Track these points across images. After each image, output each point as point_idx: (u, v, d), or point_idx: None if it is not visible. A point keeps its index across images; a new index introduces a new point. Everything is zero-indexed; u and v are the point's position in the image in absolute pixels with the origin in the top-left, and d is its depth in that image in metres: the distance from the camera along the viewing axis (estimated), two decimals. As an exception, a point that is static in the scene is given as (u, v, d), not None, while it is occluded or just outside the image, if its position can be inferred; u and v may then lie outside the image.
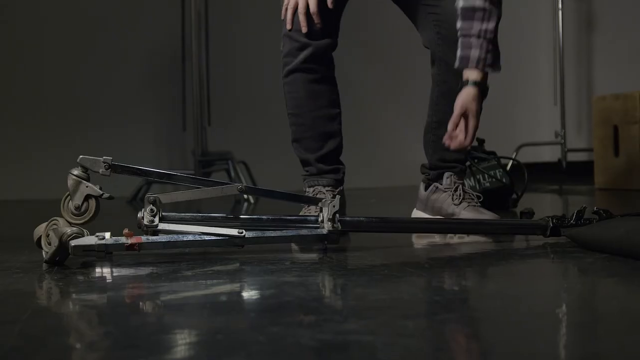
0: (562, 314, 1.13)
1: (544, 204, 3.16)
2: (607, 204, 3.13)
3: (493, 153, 2.92)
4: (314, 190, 2.10)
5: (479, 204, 2.10)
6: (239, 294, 1.32)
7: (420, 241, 2.01)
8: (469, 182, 2.73)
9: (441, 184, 2.14)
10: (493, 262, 1.67)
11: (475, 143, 2.92)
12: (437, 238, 2.01)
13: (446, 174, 2.14)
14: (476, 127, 1.91)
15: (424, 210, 2.20)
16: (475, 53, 1.89)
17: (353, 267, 1.62)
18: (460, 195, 2.10)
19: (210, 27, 3.94)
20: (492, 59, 1.90)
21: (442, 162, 2.17)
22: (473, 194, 2.13)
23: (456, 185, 2.12)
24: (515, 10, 4.64)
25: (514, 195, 2.84)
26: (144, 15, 4.12)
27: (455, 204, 2.09)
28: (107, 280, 1.48)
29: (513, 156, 4.11)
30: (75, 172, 1.64)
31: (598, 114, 3.79)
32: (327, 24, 2.03)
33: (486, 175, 2.77)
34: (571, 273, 1.51)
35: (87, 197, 1.63)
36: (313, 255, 1.79)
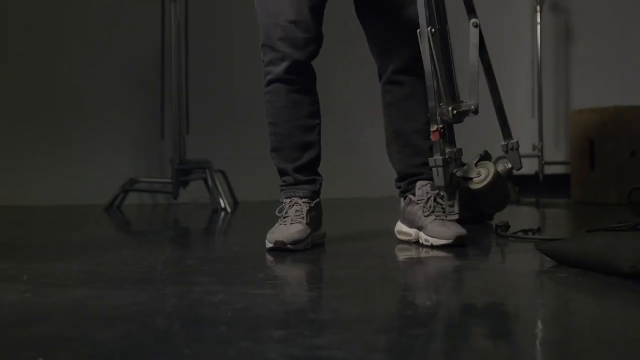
0: (536, 331, 1.13)
1: (520, 217, 3.18)
2: (582, 217, 3.15)
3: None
4: (290, 201, 2.10)
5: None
6: (211, 306, 1.31)
7: (397, 254, 2.01)
8: (445, 194, 2.73)
9: (414, 196, 2.14)
10: (467, 276, 1.67)
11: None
12: (413, 252, 2.01)
13: (418, 184, 2.14)
14: None
15: (403, 223, 2.20)
16: None
17: (328, 279, 1.62)
18: (430, 207, 2.10)
19: (189, 36, 3.93)
20: None
21: (408, 169, 2.18)
22: (444, 206, 2.12)
23: (428, 196, 2.12)
24: (494, 24, 4.67)
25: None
26: (124, 23, 4.10)
27: (424, 216, 2.09)
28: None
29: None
30: None
31: (575, 128, 3.82)
32: (308, 34, 2.03)
33: (463, 188, 2.77)
34: (544, 288, 1.51)
35: None
36: (289, 268, 1.79)
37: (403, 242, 2.16)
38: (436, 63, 1.87)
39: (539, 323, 1.18)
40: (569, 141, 3.98)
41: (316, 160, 2.14)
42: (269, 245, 1.98)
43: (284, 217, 2.06)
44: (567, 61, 4.75)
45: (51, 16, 4.05)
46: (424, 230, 2.07)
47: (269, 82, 2.08)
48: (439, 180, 1.84)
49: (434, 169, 1.85)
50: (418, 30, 1.89)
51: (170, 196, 3.89)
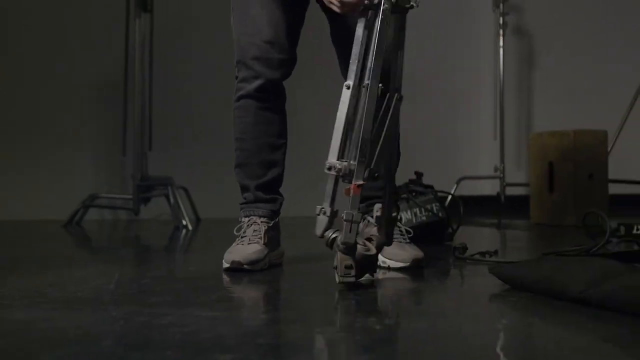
0: (485, 356, 1.13)
1: (480, 238, 3.20)
2: (540, 239, 3.18)
3: (431, 187, 2.95)
4: (249, 220, 2.09)
5: (407, 240, 2.10)
6: (160, 329, 1.29)
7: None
8: (405, 215, 2.75)
9: (372, 217, 2.15)
10: (420, 300, 1.68)
11: (413, 176, 2.95)
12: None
13: (376, 207, 2.14)
14: None
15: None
16: None
17: (281, 301, 1.61)
18: None
19: (153, 52, 3.91)
20: None
21: (367, 192, 2.17)
22: (403, 229, 2.14)
23: None
24: (458, 48, 4.73)
25: (450, 229, 2.87)
26: (87, 38, 4.08)
27: None
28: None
29: (454, 189, 4.16)
30: None
31: (535, 151, 3.87)
32: (284, 54, 2.03)
33: (423, 209, 2.80)
34: (495, 313, 1.52)
35: None
36: (244, 289, 1.78)
37: (361, 263, 2.16)
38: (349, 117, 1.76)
39: (488, 349, 1.19)
40: (529, 164, 4.03)
41: (279, 179, 2.15)
42: (225, 265, 1.97)
43: (242, 237, 2.06)
44: (528, 85, 4.82)
45: (12, 32, 4.01)
46: (382, 252, 2.08)
47: (240, 98, 2.09)
48: (350, 236, 1.70)
49: (347, 224, 1.70)
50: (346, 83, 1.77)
51: (131, 212, 3.86)
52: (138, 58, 3.81)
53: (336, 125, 1.77)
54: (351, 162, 1.74)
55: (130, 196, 3.82)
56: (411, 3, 1.77)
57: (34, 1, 4.03)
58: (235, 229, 2.09)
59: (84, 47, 4.08)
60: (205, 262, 2.26)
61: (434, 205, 2.83)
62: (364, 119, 1.72)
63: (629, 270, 1.51)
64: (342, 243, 1.69)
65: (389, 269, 2.02)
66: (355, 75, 1.76)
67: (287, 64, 2.07)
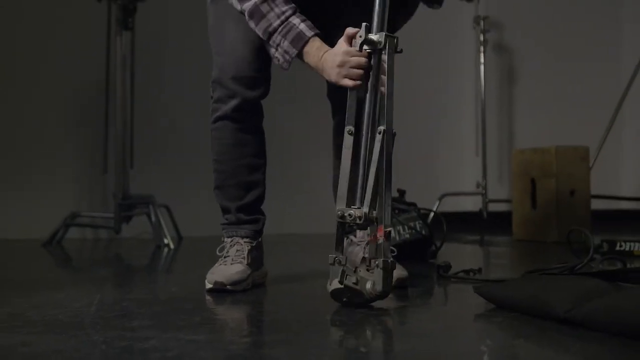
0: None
1: (464, 256, 3.20)
2: (523, 256, 3.19)
3: (414, 204, 2.95)
4: (232, 241, 2.08)
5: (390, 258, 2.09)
6: (141, 354, 1.27)
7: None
8: (389, 233, 2.74)
9: (355, 237, 2.14)
10: (405, 320, 1.67)
11: (396, 194, 2.95)
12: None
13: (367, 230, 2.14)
14: None
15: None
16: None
17: (265, 323, 1.60)
18: None
19: (135, 69, 3.90)
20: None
21: None
22: (386, 248, 2.12)
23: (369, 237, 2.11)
24: (439, 63, 4.75)
25: (433, 247, 2.86)
26: (68, 54, 4.05)
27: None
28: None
29: (436, 205, 4.16)
30: None
31: (517, 167, 3.89)
32: (259, 73, 2.02)
33: (406, 227, 2.79)
34: (480, 333, 1.52)
35: None
36: (227, 310, 1.76)
37: (345, 282, 2.15)
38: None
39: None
40: (511, 180, 4.05)
41: (260, 199, 2.13)
42: (208, 285, 1.95)
43: (225, 257, 2.04)
44: (510, 101, 4.84)
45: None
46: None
47: (217, 119, 2.07)
48: (388, 284, 1.68)
49: (384, 272, 1.67)
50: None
51: (112, 231, 3.82)
52: (119, 76, 3.79)
53: (341, 172, 1.75)
54: (363, 208, 1.71)
55: (112, 215, 3.78)
56: (400, 48, 1.77)
57: (15, 18, 4.01)
58: (218, 249, 2.07)
59: (64, 64, 4.05)
60: (188, 283, 2.24)
61: (417, 222, 2.82)
62: (384, 165, 1.72)
63: (614, 289, 1.51)
64: (381, 292, 1.67)
65: (372, 288, 2.01)
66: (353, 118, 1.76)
67: (264, 82, 2.04)
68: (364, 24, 1.75)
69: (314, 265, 2.72)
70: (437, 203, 4.21)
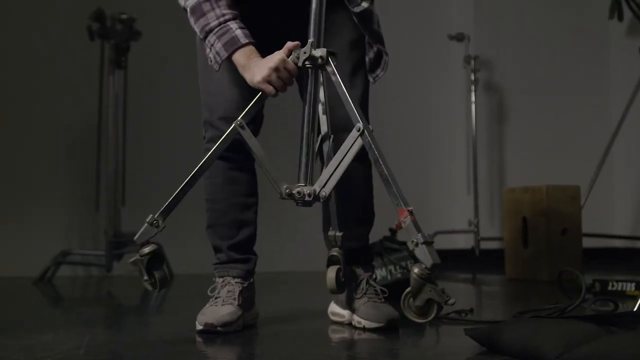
0: None
1: (456, 295, 3.17)
2: (515, 296, 3.18)
3: (405, 243, 2.95)
4: (223, 281, 2.07)
5: (382, 299, 2.09)
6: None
7: (329, 337, 1.99)
8: (380, 272, 2.73)
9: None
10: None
11: (387, 233, 2.95)
12: (345, 334, 1.99)
13: (352, 267, 2.14)
14: None
15: (336, 303, 2.18)
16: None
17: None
18: (362, 290, 2.09)
19: (127, 108, 3.91)
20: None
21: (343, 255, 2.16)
22: (378, 289, 2.12)
23: (361, 278, 2.11)
24: (429, 102, 4.79)
25: (425, 287, 2.85)
26: (60, 91, 4.07)
27: (357, 298, 2.08)
28: None
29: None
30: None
31: (508, 205, 3.90)
32: (251, 113, 2.01)
33: (397, 266, 2.79)
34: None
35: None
36: (217, 352, 1.75)
37: (336, 323, 2.14)
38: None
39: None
40: (503, 218, 4.06)
41: (251, 238, 2.12)
42: (198, 327, 1.94)
43: (216, 298, 2.03)
44: (500, 140, 4.87)
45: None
46: (356, 312, 2.06)
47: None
48: (435, 256, 1.69)
49: (429, 246, 1.70)
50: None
51: (103, 269, 3.81)
52: (112, 114, 3.81)
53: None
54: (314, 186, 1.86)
55: (103, 252, 3.77)
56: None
57: (6, 56, 4.03)
58: (209, 289, 2.06)
59: (57, 102, 4.06)
60: (178, 323, 2.23)
61: (408, 262, 2.82)
62: (381, 159, 1.82)
63: (605, 333, 1.51)
64: (433, 265, 1.68)
65: (364, 329, 2.01)
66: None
67: (252, 123, 2.02)
68: (310, 40, 1.84)
69: (304, 305, 2.71)
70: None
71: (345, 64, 2.02)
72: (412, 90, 4.72)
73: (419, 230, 1.70)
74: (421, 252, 1.68)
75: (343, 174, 1.85)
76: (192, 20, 1.94)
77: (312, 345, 1.83)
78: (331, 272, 2.01)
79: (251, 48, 1.90)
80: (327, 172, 1.85)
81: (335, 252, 2.07)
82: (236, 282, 2.05)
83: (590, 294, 2.70)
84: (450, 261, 3.99)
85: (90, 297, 3.34)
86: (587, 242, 3.90)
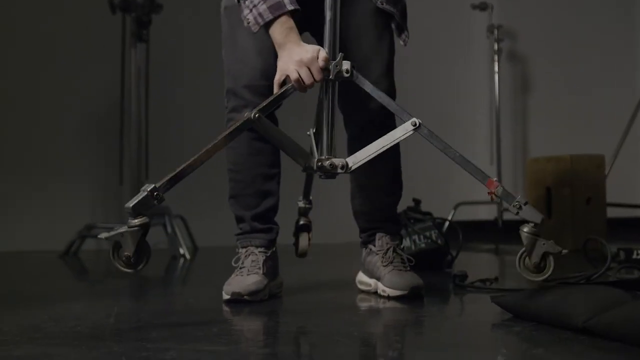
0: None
1: (480, 265, 3.19)
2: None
3: (429, 214, 2.95)
4: (246, 251, 2.08)
5: (407, 268, 2.09)
6: (161, 365, 1.28)
7: (355, 306, 2.00)
8: (405, 242, 2.73)
9: (374, 246, 2.14)
10: (422, 330, 1.67)
11: (411, 204, 2.95)
12: (371, 303, 2.00)
13: (378, 235, 2.14)
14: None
15: (364, 273, 2.19)
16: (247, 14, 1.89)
17: (283, 334, 1.60)
18: (389, 258, 2.10)
19: (150, 81, 3.92)
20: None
21: (370, 224, 2.17)
22: (404, 257, 2.13)
23: (388, 246, 2.12)
24: (452, 73, 4.76)
25: (449, 256, 2.86)
26: (83, 68, 4.08)
27: (382, 266, 2.08)
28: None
29: (451, 214, 4.16)
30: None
31: (531, 176, 3.87)
32: (272, 82, 1.97)
33: (422, 236, 2.79)
34: (499, 343, 1.51)
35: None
36: (245, 321, 1.76)
37: (363, 292, 2.15)
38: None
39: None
40: (526, 189, 4.03)
41: (274, 209, 2.13)
42: (225, 297, 1.96)
43: (241, 268, 2.04)
44: (524, 110, 4.83)
45: (5, 63, 4.01)
46: (381, 280, 2.07)
47: None
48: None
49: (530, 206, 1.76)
50: None
51: (128, 242, 3.84)
52: (134, 87, 3.81)
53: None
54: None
55: (128, 226, 3.80)
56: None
57: (25, 33, 4.04)
58: (233, 260, 2.08)
59: (80, 77, 4.08)
60: (204, 293, 2.25)
61: (432, 232, 2.82)
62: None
63: (632, 299, 1.51)
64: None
65: (388, 298, 2.01)
66: None
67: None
68: (341, 54, 1.84)
69: (330, 275, 2.73)
70: (452, 212, 4.21)
71: (370, 31, 2.01)
72: (434, 61, 4.69)
73: (513, 195, 1.76)
74: (528, 211, 1.75)
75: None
76: None
77: (339, 315, 1.84)
78: (304, 239, 2.27)
79: (291, 22, 1.86)
80: (365, 151, 1.86)
81: (304, 220, 2.28)
82: (260, 252, 2.06)
83: (615, 262, 2.69)
84: (474, 232, 3.99)
85: (116, 270, 3.37)
86: (612, 212, 3.87)
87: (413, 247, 2.76)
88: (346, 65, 1.83)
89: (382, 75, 2.07)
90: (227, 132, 1.78)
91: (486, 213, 4.53)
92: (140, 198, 1.69)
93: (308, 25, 1.99)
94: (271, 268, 2.07)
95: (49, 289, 2.49)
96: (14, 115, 4.01)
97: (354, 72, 1.85)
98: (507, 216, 4.44)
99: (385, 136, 1.87)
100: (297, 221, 2.31)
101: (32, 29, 4.04)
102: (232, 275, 2.03)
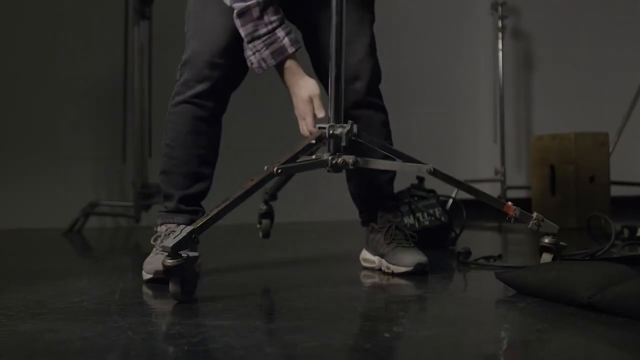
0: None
1: (483, 242, 3.20)
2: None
3: (433, 191, 2.94)
4: (166, 229, 2.01)
5: (411, 244, 2.09)
6: (167, 339, 1.28)
7: (358, 283, 2.01)
8: (408, 220, 2.74)
9: (376, 224, 2.14)
10: (426, 306, 1.67)
11: (415, 181, 2.95)
12: (375, 279, 2.00)
13: (379, 213, 2.14)
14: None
15: (367, 250, 2.19)
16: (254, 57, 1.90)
17: (286, 310, 1.60)
18: (391, 235, 2.09)
19: (153, 59, 3.91)
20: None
21: (369, 204, 2.17)
22: (407, 234, 2.12)
23: (390, 224, 2.11)
24: (457, 51, 4.73)
25: (453, 234, 2.86)
26: (86, 45, 4.07)
27: (386, 244, 2.08)
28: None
29: (455, 192, 4.15)
30: None
31: (535, 154, 3.87)
32: (236, 63, 1.97)
33: (425, 214, 2.79)
34: (503, 319, 1.52)
35: None
36: (246, 298, 1.77)
37: (367, 269, 2.16)
38: None
39: (499, 356, 1.18)
40: (530, 167, 4.03)
41: (203, 193, 2.07)
42: (147, 276, 1.90)
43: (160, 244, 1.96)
44: (528, 87, 4.81)
45: (7, 40, 4.00)
46: (385, 257, 2.07)
47: (178, 103, 2.02)
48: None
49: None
50: None
51: (132, 219, 3.85)
52: (137, 65, 3.80)
53: None
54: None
55: (131, 203, 3.81)
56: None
57: (28, 9, 4.02)
58: (152, 238, 2.02)
59: (82, 54, 4.06)
60: (206, 270, 2.25)
61: (436, 209, 2.82)
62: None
63: (637, 274, 1.51)
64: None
65: (392, 274, 2.02)
66: None
67: (239, 73, 2.02)
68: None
69: (333, 253, 2.73)
70: (455, 190, 4.20)
71: (351, 13, 2.00)
72: (437, 38, 4.66)
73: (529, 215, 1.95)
74: (546, 225, 1.97)
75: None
76: (238, 23, 1.87)
77: (342, 290, 1.84)
78: (266, 223, 2.51)
79: (293, 63, 1.90)
80: (376, 162, 1.93)
81: (266, 208, 2.55)
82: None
83: (619, 239, 2.69)
84: (477, 210, 3.98)
85: (120, 247, 3.38)
86: (615, 191, 3.87)
87: (417, 224, 2.76)
88: (341, 129, 1.84)
89: (367, 55, 2.07)
90: (254, 183, 1.74)
91: (490, 191, 4.51)
92: (180, 238, 1.62)
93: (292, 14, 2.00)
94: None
95: (53, 266, 2.50)
96: (16, 94, 4.00)
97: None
98: (511, 194, 4.43)
99: (399, 162, 1.96)
100: (261, 209, 2.55)
101: (35, 8, 4.02)
102: (152, 254, 1.96)
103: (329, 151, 1.86)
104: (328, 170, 1.87)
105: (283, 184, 2.59)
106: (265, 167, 1.76)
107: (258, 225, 2.61)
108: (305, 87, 1.89)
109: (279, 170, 1.75)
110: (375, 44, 2.11)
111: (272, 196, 2.60)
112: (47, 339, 1.27)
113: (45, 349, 1.21)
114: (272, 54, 1.87)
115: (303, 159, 1.86)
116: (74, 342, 1.24)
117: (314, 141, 1.84)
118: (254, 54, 1.88)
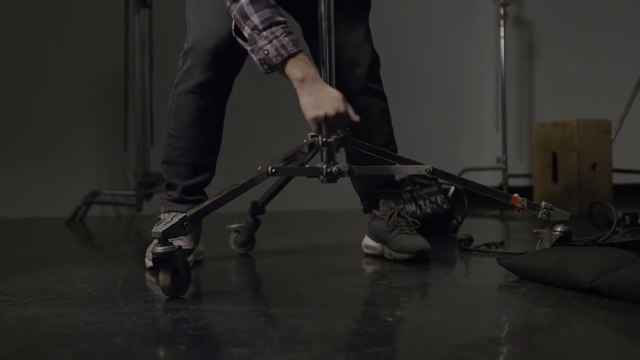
0: (495, 347, 1.13)
1: (485, 230, 3.20)
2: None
3: (435, 179, 2.94)
4: (170, 217, 2.02)
5: (413, 231, 2.10)
6: (171, 324, 1.29)
7: (361, 269, 2.01)
8: (410, 207, 2.74)
9: (379, 211, 2.14)
10: (429, 292, 1.67)
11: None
12: (377, 266, 2.01)
13: (381, 201, 2.14)
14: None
15: (369, 237, 2.20)
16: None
17: (289, 295, 1.61)
18: (394, 222, 2.09)
19: (154, 47, 3.90)
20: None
21: (369, 191, 2.17)
22: (409, 221, 2.13)
23: (392, 211, 2.12)
24: (458, 39, 4.72)
25: (455, 221, 2.86)
26: (87, 34, 4.06)
27: (388, 231, 2.09)
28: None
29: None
30: None
31: (538, 141, 3.86)
32: (239, 53, 1.91)
33: (427, 201, 2.79)
34: (506, 304, 1.52)
35: None
36: (250, 283, 1.78)
37: (369, 255, 2.16)
38: None
39: (501, 340, 1.19)
40: (532, 154, 4.03)
41: (207, 182, 2.07)
42: (149, 263, 1.90)
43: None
44: (530, 75, 4.81)
45: (8, 27, 3.99)
46: (387, 244, 2.08)
47: (182, 93, 2.01)
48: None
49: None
50: None
51: (133, 208, 3.86)
52: (138, 53, 3.80)
53: None
54: None
55: (133, 192, 3.82)
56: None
57: (33, -2, 4.02)
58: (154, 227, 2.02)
59: (83, 43, 4.06)
60: (208, 257, 2.26)
61: (438, 197, 2.82)
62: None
63: (639, 259, 1.51)
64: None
65: (394, 261, 2.02)
66: None
67: (241, 61, 1.99)
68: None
69: (336, 240, 2.74)
70: (457, 177, 4.20)
71: (348, 3, 1.99)
72: (439, 25, 4.65)
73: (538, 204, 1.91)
74: (556, 213, 1.92)
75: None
76: (250, 10, 1.77)
77: (345, 277, 1.85)
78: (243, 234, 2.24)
79: (306, 60, 1.79)
80: (371, 169, 1.94)
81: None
82: None
83: (620, 226, 2.70)
84: (479, 198, 3.99)
85: (122, 236, 3.39)
86: (617, 178, 3.87)
87: (419, 212, 2.76)
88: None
89: (363, 40, 2.07)
90: (247, 180, 1.70)
91: (492, 179, 4.52)
92: (171, 225, 1.58)
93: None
94: (195, 234, 2.01)
95: (56, 254, 2.51)
96: (18, 83, 4.00)
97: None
98: (513, 182, 4.43)
99: (397, 166, 1.93)
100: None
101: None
102: (154, 241, 1.98)
103: (322, 160, 1.83)
104: (322, 181, 1.84)
105: (274, 194, 2.35)
106: (260, 167, 1.72)
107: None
108: (333, 95, 1.81)
109: (274, 170, 1.72)
110: (370, 31, 2.11)
111: (261, 209, 2.33)
112: (53, 323, 1.28)
113: (51, 332, 1.22)
114: (294, 41, 1.76)
115: (297, 167, 1.86)
116: (79, 327, 1.24)
117: (306, 150, 1.82)
118: (270, 42, 1.74)
